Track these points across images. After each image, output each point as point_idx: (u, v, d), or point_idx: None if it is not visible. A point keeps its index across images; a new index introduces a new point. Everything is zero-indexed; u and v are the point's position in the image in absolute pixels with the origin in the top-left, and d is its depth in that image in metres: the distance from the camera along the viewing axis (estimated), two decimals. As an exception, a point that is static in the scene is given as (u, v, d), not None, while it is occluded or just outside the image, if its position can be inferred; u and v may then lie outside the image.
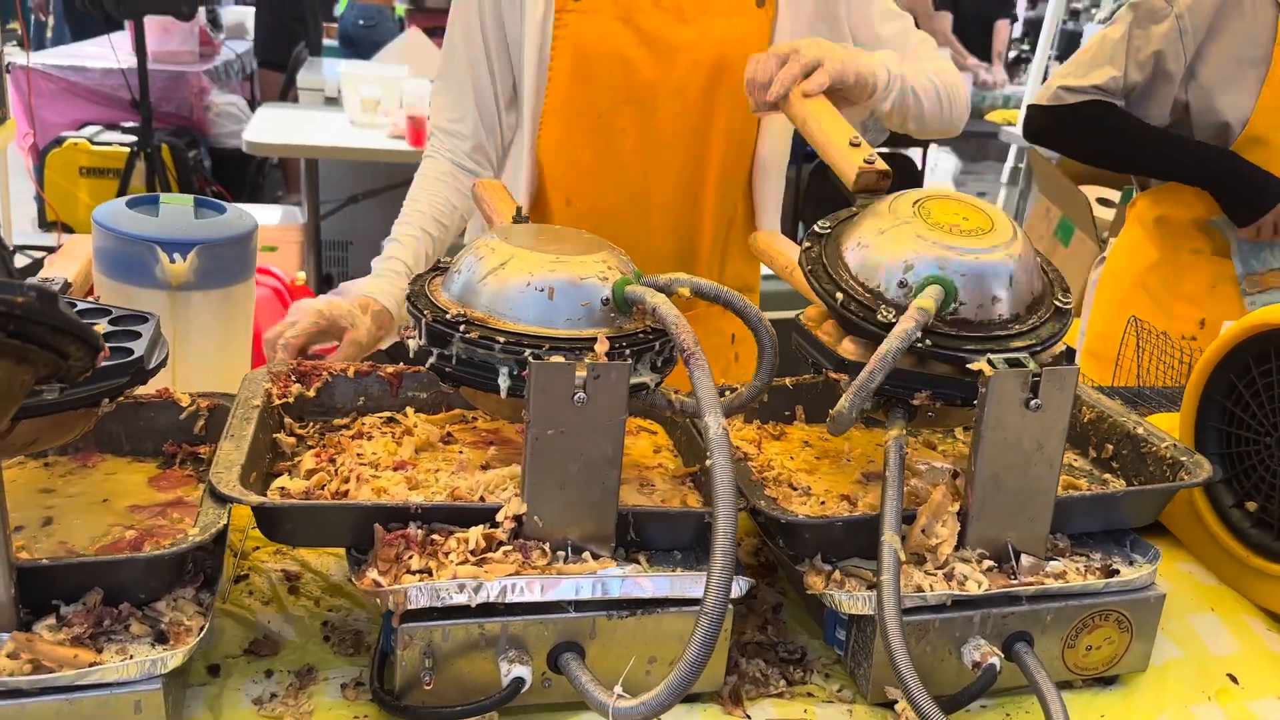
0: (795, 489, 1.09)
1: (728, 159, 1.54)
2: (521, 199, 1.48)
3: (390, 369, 1.19)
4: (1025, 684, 0.95)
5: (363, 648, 0.99)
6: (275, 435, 1.07)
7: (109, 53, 5.65)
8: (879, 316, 0.96)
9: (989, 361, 0.93)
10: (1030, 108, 2.25)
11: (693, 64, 1.45)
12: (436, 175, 1.50)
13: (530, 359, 0.89)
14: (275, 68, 6.22)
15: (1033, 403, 0.93)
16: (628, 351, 0.94)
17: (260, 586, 1.05)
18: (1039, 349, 0.97)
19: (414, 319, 0.98)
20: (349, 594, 1.07)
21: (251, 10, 7.46)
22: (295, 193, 5.74)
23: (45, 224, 5.36)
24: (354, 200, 4.66)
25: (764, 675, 0.99)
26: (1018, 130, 5.08)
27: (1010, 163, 5.19)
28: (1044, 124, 2.20)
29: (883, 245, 1.00)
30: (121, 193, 4.96)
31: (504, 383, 0.93)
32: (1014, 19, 7.54)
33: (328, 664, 0.96)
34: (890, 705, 0.96)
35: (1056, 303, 1.02)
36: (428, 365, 0.97)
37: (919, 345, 0.94)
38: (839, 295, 0.99)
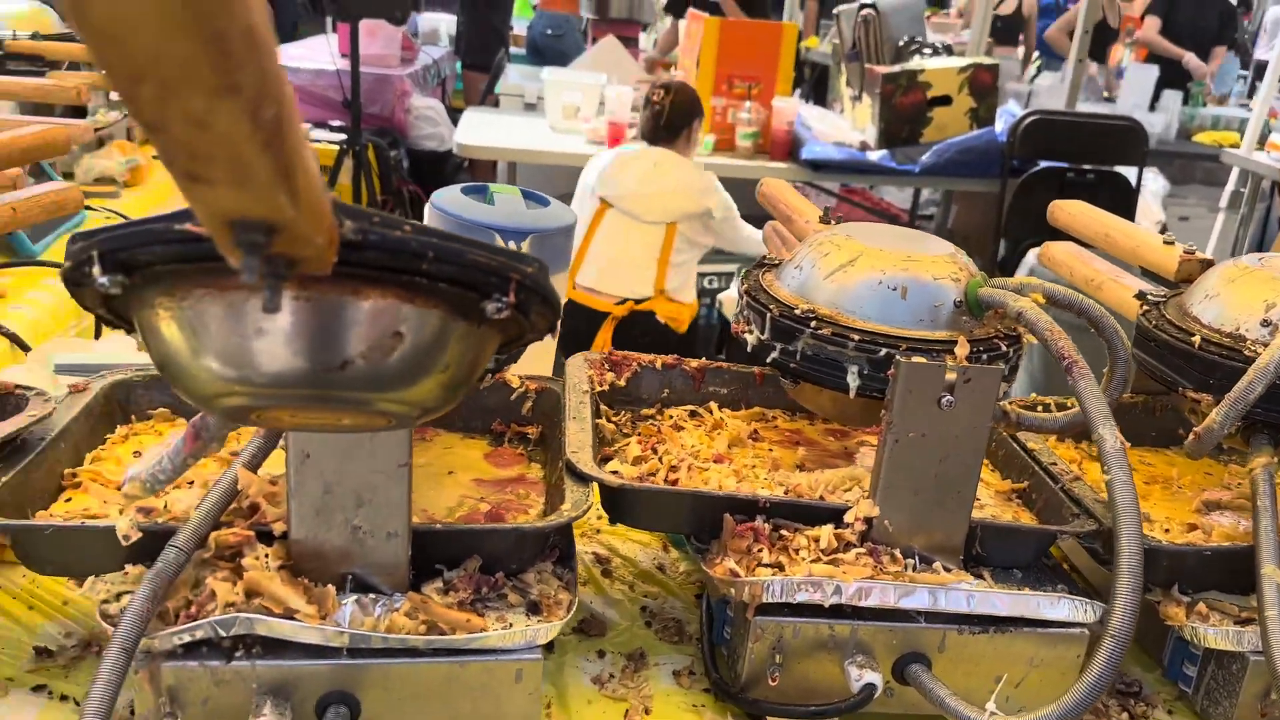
0: (1129, 513, 1.03)
1: None
2: None
3: (694, 363, 1.19)
4: None
5: (686, 636, 0.99)
6: (596, 420, 1.09)
7: (316, 54, 5.98)
8: (1245, 352, 0.91)
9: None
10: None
11: None
12: None
13: (899, 358, 0.87)
14: (480, 70, 6.45)
15: None
16: (985, 357, 0.91)
17: (573, 569, 1.07)
18: None
19: (755, 313, 0.98)
20: (660, 581, 1.07)
21: (444, 18, 7.77)
22: (485, 194, 5.91)
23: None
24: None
25: (1104, 706, 0.94)
26: (1240, 153, 4.79)
27: (1231, 186, 4.89)
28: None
29: (1236, 292, 0.97)
30: (330, 188, 5.22)
31: (853, 381, 0.91)
32: (1232, 44, 7.08)
33: (655, 649, 0.96)
34: (1249, 751, 0.90)
35: None
36: (769, 360, 0.96)
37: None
38: (1195, 340, 0.95)
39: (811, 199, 4.54)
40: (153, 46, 0.27)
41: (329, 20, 6.29)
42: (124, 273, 0.52)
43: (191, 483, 0.89)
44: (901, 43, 4.26)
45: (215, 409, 0.58)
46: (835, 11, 4.44)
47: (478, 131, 4.40)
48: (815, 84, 6.84)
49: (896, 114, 4.03)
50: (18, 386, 0.95)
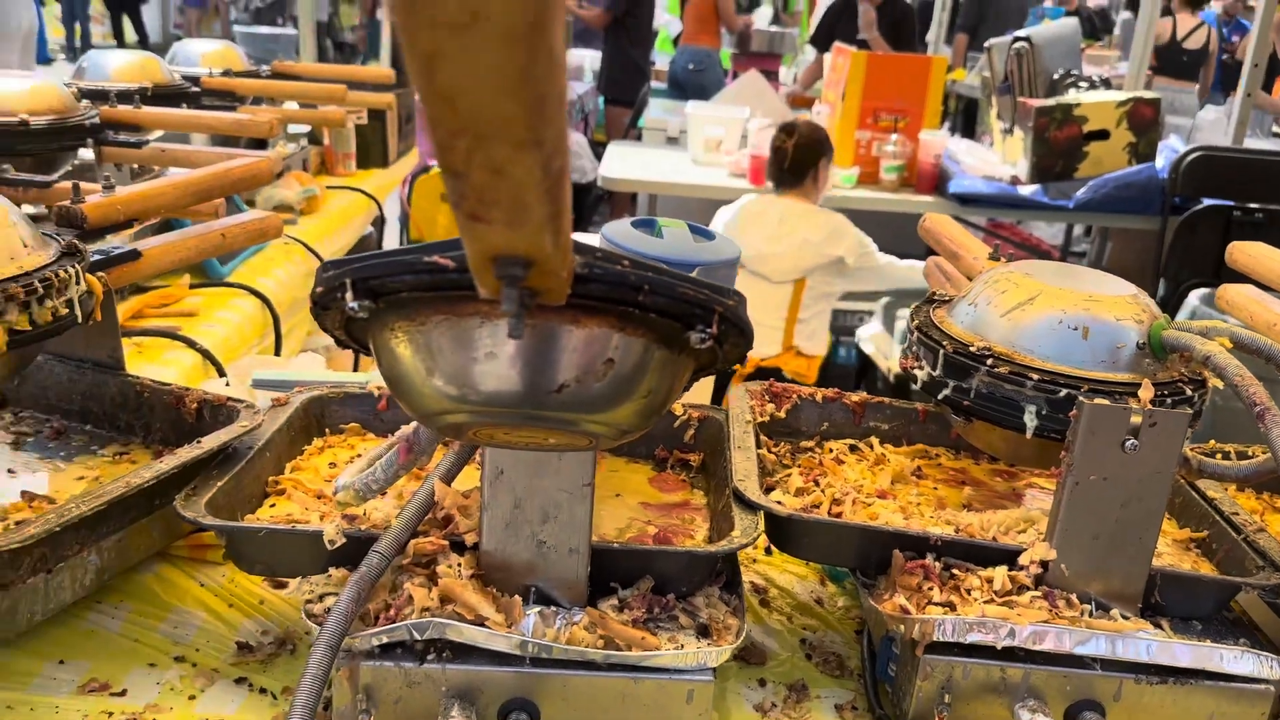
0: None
1: None
2: None
3: (855, 397, 1.20)
4: None
5: (847, 670, 0.99)
6: (758, 451, 1.11)
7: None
8: None
9: None
10: None
11: None
12: None
13: (1081, 400, 0.86)
14: (623, 105, 6.59)
15: None
16: (1169, 402, 0.89)
17: (733, 596, 1.09)
18: None
19: (926, 349, 0.98)
20: (819, 614, 1.08)
21: (588, 53, 7.98)
22: (624, 224, 6.03)
23: (407, 241, 5.94)
24: (686, 234, 4.82)
25: (1292, 771, 0.90)
26: None
27: None
28: None
29: None
30: (476, 217, 5.41)
31: (1030, 421, 0.91)
32: None
33: (816, 682, 0.97)
34: None
35: None
36: (940, 397, 0.97)
37: None
38: None
39: (958, 234, 4.35)
40: (481, 106, 0.30)
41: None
42: (371, 298, 0.58)
43: (384, 493, 0.95)
44: (1056, 76, 4.16)
45: (436, 425, 0.63)
46: (986, 45, 4.37)
47: (621, 164, 4.49)
48: (963, 116, 6.73)
49: (1050, 148, 3.92)
50: (229, 399, 1.03)
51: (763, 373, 3.29)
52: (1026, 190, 4.03)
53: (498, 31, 0.27)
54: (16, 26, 7.49)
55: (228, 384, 1.35)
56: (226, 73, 2.38)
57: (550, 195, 0.37)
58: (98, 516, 0.84)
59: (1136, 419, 0.83)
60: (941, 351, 0.96)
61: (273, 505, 0.97)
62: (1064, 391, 0.89)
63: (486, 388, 0.58)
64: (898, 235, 3.90)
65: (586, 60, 8.03)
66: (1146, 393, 0.87)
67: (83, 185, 1.13)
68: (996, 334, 0.95)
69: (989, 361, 0.92)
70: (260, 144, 2.50)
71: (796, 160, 3.33)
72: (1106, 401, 0.85)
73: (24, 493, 0.95)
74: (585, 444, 0.65)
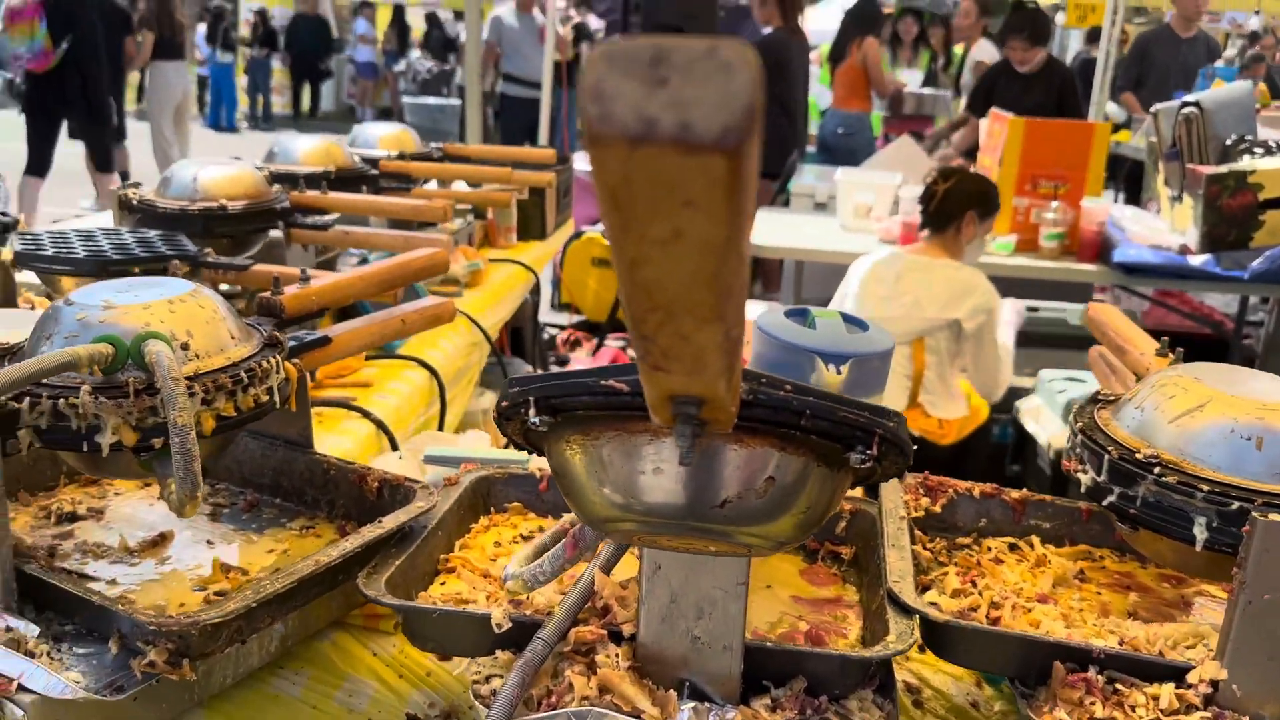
0: None
1: None
2: None
3: (1015, 494, 1.18)
4: None
5: (1003, 781, 0.97)
6: (913, 547, 1.10)
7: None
8: None
9: None
10: None
11: None
12: None
13: (1254, 515, 0.83)
14: (768, 177, 6.61)
15: None
16: (1354, 518, 0.85)
17: (884, 693, 1.08)
18: None
19: (1090, 453, 0.97)
20: (975, 719, 1.06)
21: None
22: (772, 289, 6.05)
23: (558, 304, 6.12)
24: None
25: None
26: None
27: None
28: None
29: None
30: (626, 281, 5.54)
31: (1200, 534, 0.88)
32: None
33: (971, 791, 0.95)
34: None
35: None
36: (1104, 503, 0.95)
37: None
38: None
39: (1122, 302, 4.28)
40: (676, 296, 0.34)
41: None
42: (550, 414, 0.62)
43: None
44: (1229, 141, 3.98)
45: (603, 529, 0.66)
46: (1153, 110, 4.22)
47: (769, 231, 4.52)
48: (1127, 179, 6.49)
49: (1222, 216, 3.74)
50: (406, 479, 1.10)
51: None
52: (1197, 260, 3.84)
53: (697, 246, 0.30)
54: (169, 97, 8.26)
55: (401, 458, 1.43)
56: (401, 155, 2.55)
57: (727, 352, 0.40)
58: (289, 592, 0.91)
59: (1319, 539, 0.79)
60: (1107, 457, 0.94)
61: (443, 583, 1.03)
62: (1236, 504, 0.86)
63: (653, 500, 0.62)
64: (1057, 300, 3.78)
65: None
66: (1330, 509, 0.83)
67: (280, 275, 1.23)
68: (1164, 440, 0.93)
69: (1156, 470, 0.90)
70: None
71: (942, 206, 3.20)
72: (1284, 518, 0.82)
73: (220, 564, 1.04)
74: (743, 552, 0.68)
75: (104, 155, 7.21)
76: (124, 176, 8.80)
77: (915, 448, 2.38)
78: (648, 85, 0.27)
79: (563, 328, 5.84)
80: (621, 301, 0.37)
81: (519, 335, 3.98)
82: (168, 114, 8.41)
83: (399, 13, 16.44)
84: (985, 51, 6.98)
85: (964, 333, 3.18)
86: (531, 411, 0.62)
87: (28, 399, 0.90)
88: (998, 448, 3.92)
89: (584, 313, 5.99)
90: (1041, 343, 4.25)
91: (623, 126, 0.27)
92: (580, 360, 4.42)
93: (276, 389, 1.03)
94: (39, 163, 6.88)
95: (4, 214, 1.63)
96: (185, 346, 0.95)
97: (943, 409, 3.25)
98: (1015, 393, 3.90)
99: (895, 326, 3.14)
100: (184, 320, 0.97)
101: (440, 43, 15.81)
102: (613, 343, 5.29)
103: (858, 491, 1.20)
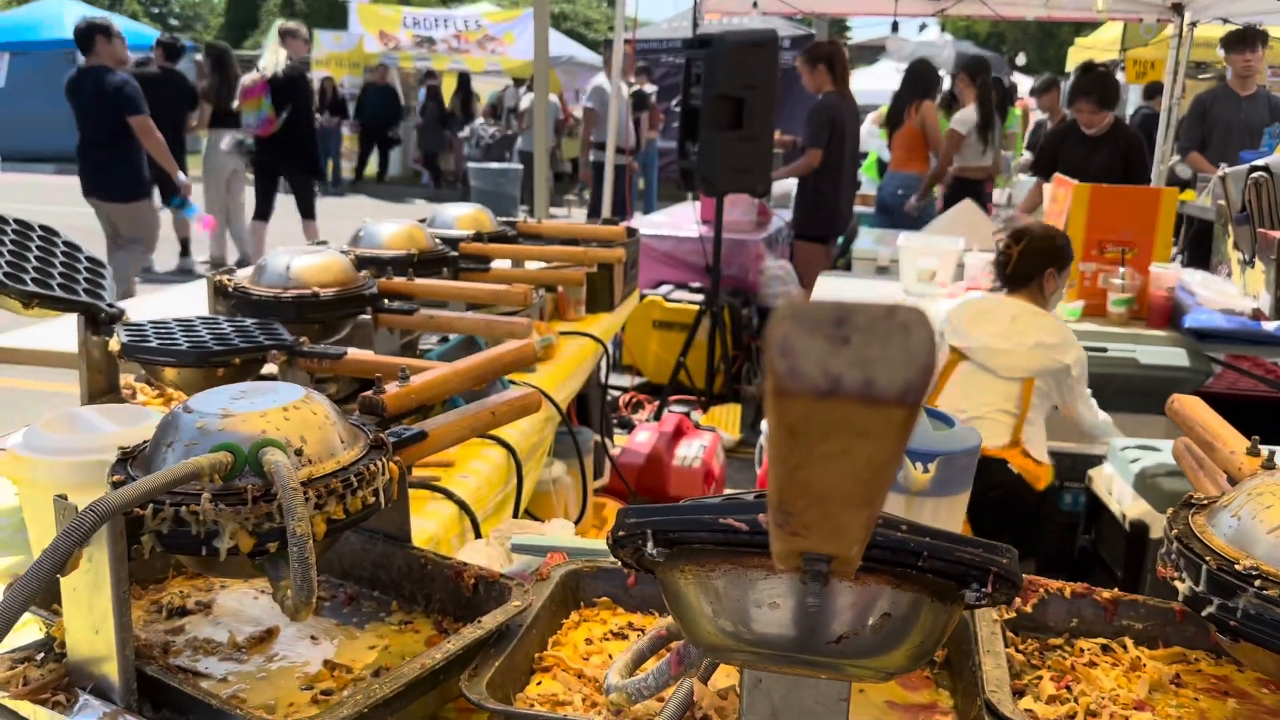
0: None
1: None
2: None
3: (1106, 594, 1.17)
4: None
5: None
6: (1005, 649, 1.10)
7: (679, 221, 6.53)
8: None
9: None
10: None
11: None
12: None
13: (1366, 636, 0.82)
14: (813, 240, 6.61)
15: None
16: None
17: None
18: None
19: (1187, 561, 0.96)
20: (1073, 829, 1.04)
21: (794, 182, 8.15)
22: (833, 352, 6.02)
23: (620, 366, 6.18)
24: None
25: None
26: None
27: None
28: None
29: None
30: (687, 345, 5.59)
31: (1305, 649, 0.87)
32: None
33: None
34: None
35: None
36: (1204, 613, 0.94)
37: None
38: None
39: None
40: (828, 494, 0.37)
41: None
42: (666, 545, 0.65)
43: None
44: (1302, 205, 3.92)
45: (714, 656, 0.68)
46: (1221, 173, 4.18)
47: (831, 295, 4.53)
48: (1193, 240, 6.40)
49: (1298, 282, 3.68)
50: (501, 576, 1.13)
51: (988, 462, 3.19)
52: (1271, 325, 3.77)
53: (864, 462, 0.33)
54: (220, 168, 8.91)
55: (487, 544, 1.46)
56: (479, 235, 2.62)
57: (867, 527, 0.43)
58: (396, 696, 0.94)
59: None
60: (1204, 567, 0.94)
61: (539, 683, 1.05)
62: (1342, 621, 0.85)
63: (766, 633, 0.63)
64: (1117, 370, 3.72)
65: (793, 188, 8.20)
66: None
67: (379, 370, 1.28)
68: (1262, 550, 0.92)
69: (1257, 583, 0.89)
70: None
71: (1019, 269, 3.31)
72: (1396, 638, 0.81)
73: (326, 662, 1.07)
74: (852, 681, 0.69)
75: (308, 205, 8.72)
76: (183, 244, 9.34)
77: (1013, 486, 2.38)
78: (833, 343, 0.30)
79: (625, 389, 5.89)
80: (771, 485, 0.40)
81: (584, 400, 4.02)
82: (221, 184, 9.04)
83: (464, 80, 16.90)
84: (965, 119, 6.93)
85: (1070, 379, 3.26)
86: (649, 545, 0.64)
87: (151, 506, 0.95)
88: (1070, 516, 3.84)
89: (645, 374, 6.04)
90: (1113, 389, 4.16)
91: (810, 383, 0.30)
92: (642, 423, 4.44)
93: (382, 489, 1.07)
94: (264, 209, 8.74)
95: (111, 306, 1.71)
96: (299, 452, 1.00)
97: (1037, 452, 3.27)
98: (1087, 460, 3.84)
99: (1012, 360, 3.20)
100: (298, 426, 1.01)
101: (503, 110, 16.23)
102: (676, 408, 5.31)
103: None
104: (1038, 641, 1.15)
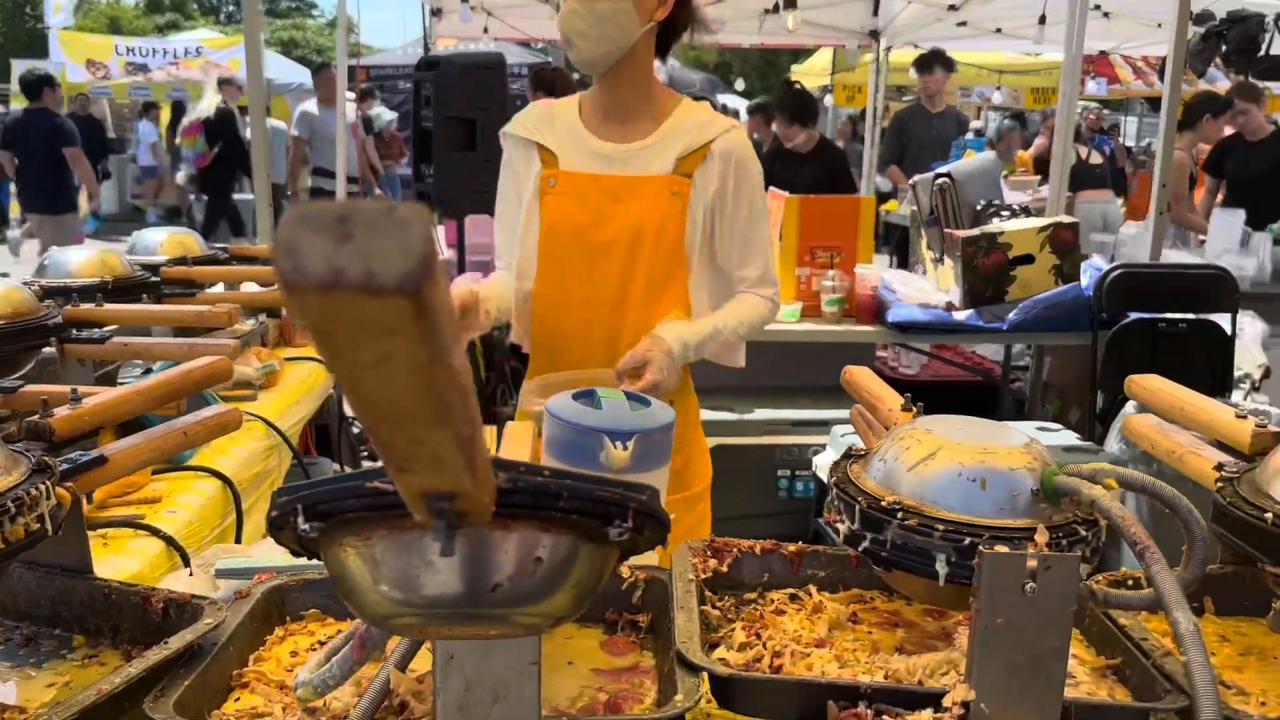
0: (1228, 687, 1.05)
1: (650, 287, 1.98)
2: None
3: (791, 547, 1.27)
4: None
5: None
6: (702, 607, 1.17)
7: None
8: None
9: None
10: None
11: (619, 229, 1.97)
12: (505, 280, 2.04)
13: (982, 549, 0.94)
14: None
15: None
16: (1064, 543, 0.97)
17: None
18: None
19: (844, 504, 1.06)
20: (771, 767, 1.12)
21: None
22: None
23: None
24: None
25: None
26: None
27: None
28: None
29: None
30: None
31: (942, 569, 0.98)
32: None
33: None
34: None
35: None
36: (860, 549, 1.04)
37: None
38: (1269, 517, 1.01)
39: (902, 358, 4.64)
40: (396, 407, 0.39)
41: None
42: (320, 520, 0.65)
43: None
44: (979, 207, 4.41)
45: (386, 626, 0.69)
46: (911, 182, 4.63)
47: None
48: (898, 246, 7.02)
49: (979, 275, 4.13)
50: (194, 597, 1.08)
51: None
52: (961, 315, 4.21)
53: (404, 366, 0.35)
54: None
55: (191, 574, 1.39)
56: (183, 260, 2.49)
57: (462, 451, 0.45)
58: (69, 726, 0.87)
59: (1032, 564, 0.91)
60: (858, 506, 1.04)
61: (237, 699, 1.01)
62: (968, 540, 0.96)
63: (428, 593, 0.65)
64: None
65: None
66: (1042, 537, 0.95)
67: (49, 396, 1.19)
68: (906, 488, 1.03)
69: (899, 515, 1.00)
70: (219, 322, 2.59)
71: None
72: (1005, 549, 0.93)
73: (-5, 705, 0.98)
74: (523, 632, 0.72)
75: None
76: None
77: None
78: (337, 240, 0.32)
79: (373, 421, 5.72)
80: (356, 412, 0.41)
81: (326, 432, 3.88)
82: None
83: (178, 109, 15.86)
84: None
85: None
86: (300, 519, 0.64)
87: None
88: (804, 502, 4.11)
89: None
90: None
91: (316, 277, 0.32)
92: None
93: (48, 515, 1.00)
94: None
95: None
96: (-59, 481, 0.91)
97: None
98: (814, 449, 4.12)
99: None
100: (-61, 453, 0.93)
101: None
102: (424, 433, 5.22)
103: (653, 559, 1.26)
104: (734, 597, 1.23)
